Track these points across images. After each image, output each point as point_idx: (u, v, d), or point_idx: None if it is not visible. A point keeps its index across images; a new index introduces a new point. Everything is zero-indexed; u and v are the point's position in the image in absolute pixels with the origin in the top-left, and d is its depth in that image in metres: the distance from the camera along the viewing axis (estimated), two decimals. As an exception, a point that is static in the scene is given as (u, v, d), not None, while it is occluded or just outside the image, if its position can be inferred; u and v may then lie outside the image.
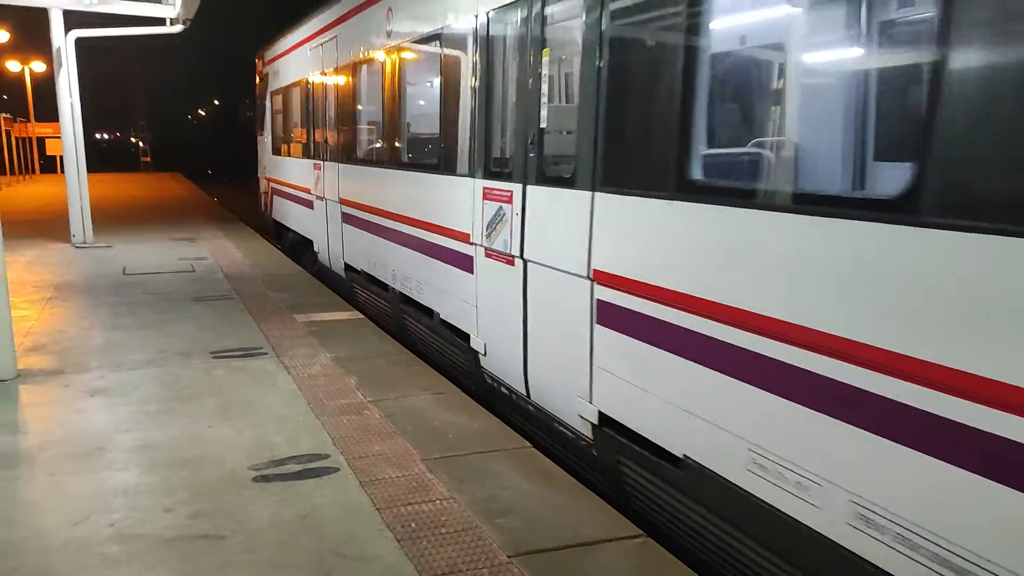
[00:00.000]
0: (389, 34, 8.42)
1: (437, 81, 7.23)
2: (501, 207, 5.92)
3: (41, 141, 43.68)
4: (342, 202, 10.63)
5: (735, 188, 3.82)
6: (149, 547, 3.82)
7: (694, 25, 3.86)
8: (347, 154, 10.42)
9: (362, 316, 8.86)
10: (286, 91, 14.46)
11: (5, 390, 6.18)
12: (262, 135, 17.55)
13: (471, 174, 6.41)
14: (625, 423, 4.59)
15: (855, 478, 3.11)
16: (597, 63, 4.61)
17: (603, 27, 4.55)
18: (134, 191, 32.36)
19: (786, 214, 3.35)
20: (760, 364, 3.51)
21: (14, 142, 42.58)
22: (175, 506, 4.23)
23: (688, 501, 4.15)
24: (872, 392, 2.97)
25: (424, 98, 8.17)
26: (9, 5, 14.13)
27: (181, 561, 3.70)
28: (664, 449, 4.25)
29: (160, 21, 15.12)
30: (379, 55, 8.82)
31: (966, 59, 2.63)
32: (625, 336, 4.50)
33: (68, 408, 5.78)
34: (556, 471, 4.78)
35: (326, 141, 11.47)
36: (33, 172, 48.19)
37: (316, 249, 12.42)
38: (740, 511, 3.75)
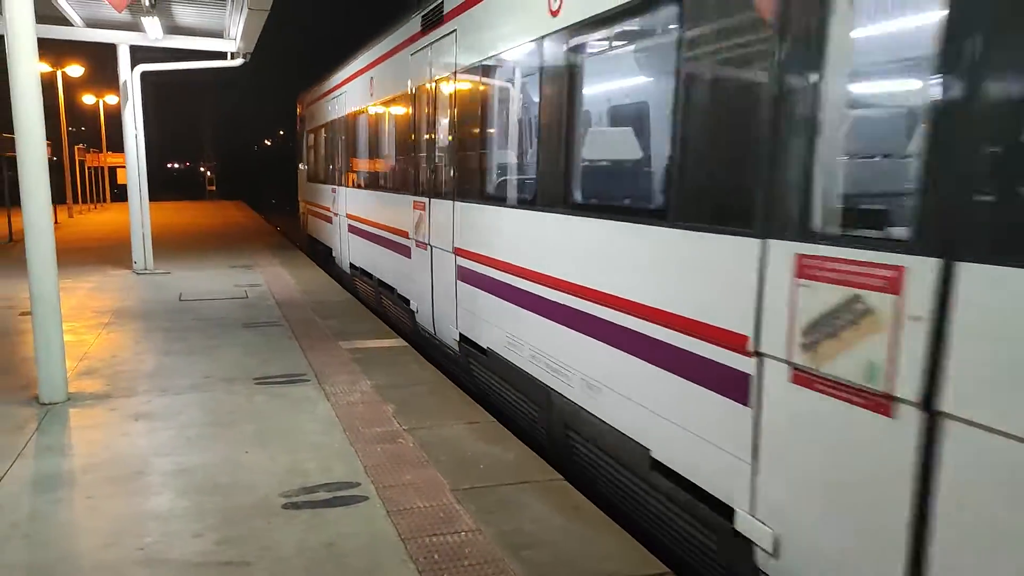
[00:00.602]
0: (371, 95, 11.89)
1: (393, 127, 10.50)
2: (421, 213, 9.03)
3: (113, 171, 45.49)
4: (348, 216, 14.14)
5: (499, 196, 6.86)
6: (176, 572, 3.86)
7: (486, 107, 7.05)
8: (350, 180, 14.05)
9: (405, 344, 8.92)
10: (316, 131, 18.12)
11: (56, 413, 6.38)
12: (301, 166, 21.20)
13: (407, 192, 9.58)
14: (469, 336, 7.65)
15: (532, 338, 6.11)
16: (451, 124, 7.91)
17: (453, 105, 7.80)
18: (198, 219, 33.37)
19: (513, 209, 6.40)
20: (505, 286, 6.54)
21: (87, 172, 44.42)
22: (204, 531, 4.29)
23: (490, 372, 7.17)
24: (533, 293, 6.01)
25: (387, 138, 11.13)
26: (83, 42, 14.85)
27: (205, 587, 3.73)
28: (481, 346, 7.30)
29: (221, 55, 15.68)
30: (364, 110, 12.45)
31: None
32: (468, 284, 7.53)
33: (113, 432, 5.93)
34: (586, 505, 4.70)
35: (340, 171, 14.99)
36: (104, 200, 50.12)
37: (334, 255, 15.95)
38: (504, 371, 6.76)
